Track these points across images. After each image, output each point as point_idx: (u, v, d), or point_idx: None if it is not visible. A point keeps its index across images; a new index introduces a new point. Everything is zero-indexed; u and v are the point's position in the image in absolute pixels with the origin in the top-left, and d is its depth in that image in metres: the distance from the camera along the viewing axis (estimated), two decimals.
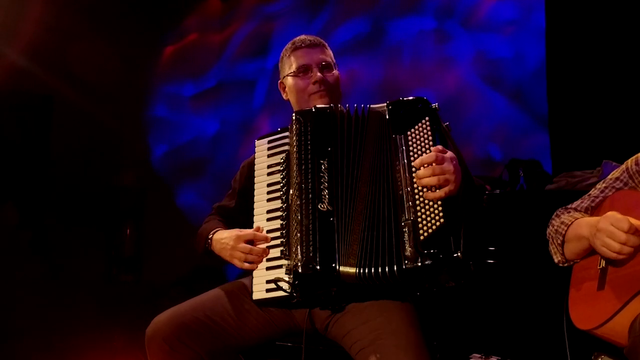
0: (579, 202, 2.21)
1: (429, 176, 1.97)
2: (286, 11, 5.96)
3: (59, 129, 5.39)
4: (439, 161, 1.98)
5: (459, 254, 1.89)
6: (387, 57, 5.33)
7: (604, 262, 1.95)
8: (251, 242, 2.25)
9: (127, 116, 5.83)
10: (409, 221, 1.96)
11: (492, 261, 3.48)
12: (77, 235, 5.31)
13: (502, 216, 3.59)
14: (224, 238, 2.32)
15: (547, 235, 2.19)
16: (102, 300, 4.84)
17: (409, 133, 2.09)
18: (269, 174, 2.32)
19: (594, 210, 2.15)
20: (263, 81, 6.06)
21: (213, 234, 2.39)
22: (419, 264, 1.91)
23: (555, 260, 2.15)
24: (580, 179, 3.60)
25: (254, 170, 2.37)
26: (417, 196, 1.99)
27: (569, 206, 2.21)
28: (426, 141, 2.06)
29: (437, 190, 1.96)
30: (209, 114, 6.36)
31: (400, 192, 2.02)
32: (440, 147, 2.02)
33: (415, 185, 2.00)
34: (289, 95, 2.61)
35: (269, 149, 2.35)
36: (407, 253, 1.93)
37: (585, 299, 2.00)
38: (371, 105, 2.22)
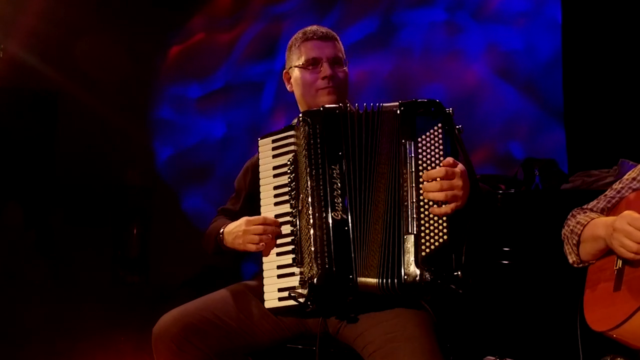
0: (594, 202, 2.17)
1: (437, 191, 1.93)
2: (295, 11, 5.90)
3: (64, 127, 5.37)
4: (449, 176, 1.94)
5: (459, 272, 1.89)
6: (398, 51, 5.28)
7: (620, 262, 1.91)
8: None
9: (132, 116, 5.79)
10: (412, 235, 1.94)
11: (506, 262, 3.44)
12: (83, 235, 5.30)
13: (517, 216, 3.54)
14: (234, 227, 2.26)
15: (562, 235, 2.16)
16: (108, 301, 4.82)
17: (419, 140, 2.02)
18: (275, 175, 2.23)
19: (610, 211, 2.11)
20: (271, 83, 6.00)
21: (224, 228, 2.32)
22: (418, 279, 1.91)
23: (570, 261, 2.11)
24: (597, 178, 3.56)
25: (259, 172, 2.29)
26: (422, 209, 1.96)
27: (585, 206, 2.17)
28: (437, 150, 2.00)
29: (444, 206, 1.93)
30: (216, 117, 6.31)
31: (406, 203, 1.98)
32: (450, 160, 1.97)
33: (421, 197, 1.96)
34: (294, 87, 2.55)
35: (273, 149, 2.25)
36: (408, 268, 1.93)
37: (600, 300, 1.96)
38: (384, 105, 2.13)
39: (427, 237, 1.93)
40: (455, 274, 1.89)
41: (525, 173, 3.89)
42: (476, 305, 3.44)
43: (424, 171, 1.99)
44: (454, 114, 2.05)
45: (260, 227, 2.16)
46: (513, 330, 3.39)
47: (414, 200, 1.97)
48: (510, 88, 4.80)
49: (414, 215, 1.96)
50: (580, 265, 2.09)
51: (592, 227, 2.00)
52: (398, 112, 2.08)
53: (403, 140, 2.03)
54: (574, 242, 2.07)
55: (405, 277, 1.92)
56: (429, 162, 2.00)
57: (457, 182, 1.94)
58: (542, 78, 4.63)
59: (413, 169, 2.00)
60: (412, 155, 2.01)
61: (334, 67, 2.44)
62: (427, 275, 1.90)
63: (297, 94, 2.53)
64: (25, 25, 4.97)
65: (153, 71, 6.16)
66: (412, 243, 1.94)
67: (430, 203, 1.95)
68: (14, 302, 4.44)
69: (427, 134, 2.02)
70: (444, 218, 1.93)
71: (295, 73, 2.50)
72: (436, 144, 2.01)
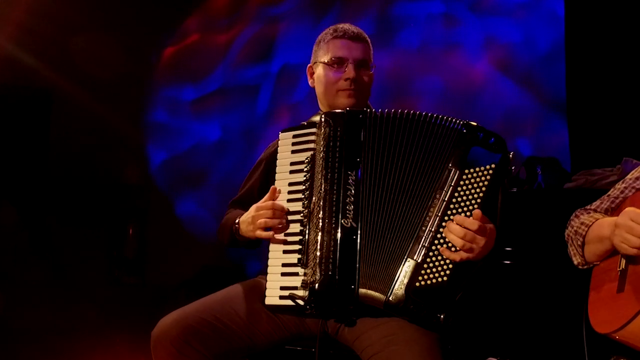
0: (598, 202, 2.15)
1: (457, 237, 1.89)
2: (292, 13, 5.87)
3: (58, 125, 5.33)
4: (477, 231, 1.89)
5: (441, 316, 1.87)
6: (395, 45, 5.24)
7: (624, 263, 1.88)
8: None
9: (126, 118, 5.75)
10: (415, 262, 1.93)
11: (508, 262, 3.42)
12: (78, 235, 5.26)
13: (519, 215, 3.50)
14: (246, 215, 2.22)
15: (566, 236, 2.13)
16: (104, 302, 4.79)
17: (466, 172, 1.97)
18: (291, 171, 2.19)
19: (614, 211, 2.08)
20: (267, 86, 5.95)
21: (239, 218, 2.28)
22: (401, 306, 1.91)
23: (575, 262, 2.09)
24: (600, 177, 3.55)
25: (276, 165, 2.25)
26: (436, 241, 1.93)
27: (588, 207, 2.15)
28: (477, 190, 1.95)
29: (456, 252, 1.90)
30: (211, 120, 6.26)
31: (424, 228, 1.95)
32: (481, 215, 1.89)
33: (440, 230, 1.93)
34: (315, 83, 2.51)
35: (293, 144, 2.21)
36: (397, 291, 1.92)
37: (604, 302, 1.93)
38: (444, 117, 2.05)
39: (428, 271, 1.91)
40: (438, 315, 1.87)
41: (528, 172, 3.87)
42: (478, 306, 3.42)
43: (456, 212, 1.94)
44: (513, 159, 2.01)
45: (269, 211, 2.12)
46: (515, 331, 3.37)
47: (433, 229, 1.94)
48: (509, 81, 4.78)
49: (426, 244, 1.93)
50: (585, 266, 2.07)
51: (598, 228, 1.98)
52: (458, 132, 2.03)
53: (450, 165, 2.00)
54: (579, 243, 2.05)
55: (391, 297, 1.92)
56: (465, 197, 1.95)
57: (481, 240, 1.89)
58: (542, 71, 4.62)
59: (446, 199, 1.96)
60: (453, 185, 1.97)
61: (360, 69, 2.42)
62: (411, 306, 1.90)
63: (318, 90, 2.50)
64: (19, 21, 4.94)
65: (147, 72, 6.10)
66: (412, 269, 1.93)
67: (447, 240, 1.92)
68: (9, 302, 4.42)
69: (477, 169, 1.97)
70: (451, 260, 1.91)
71: (320, 69, 2.48)
72: (480, 184, 1.95)
